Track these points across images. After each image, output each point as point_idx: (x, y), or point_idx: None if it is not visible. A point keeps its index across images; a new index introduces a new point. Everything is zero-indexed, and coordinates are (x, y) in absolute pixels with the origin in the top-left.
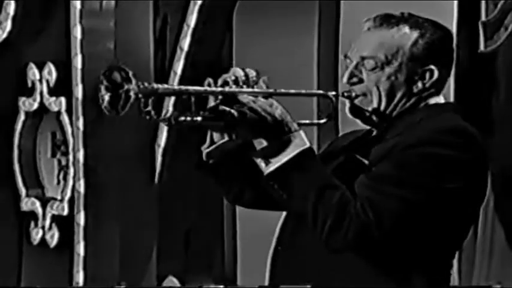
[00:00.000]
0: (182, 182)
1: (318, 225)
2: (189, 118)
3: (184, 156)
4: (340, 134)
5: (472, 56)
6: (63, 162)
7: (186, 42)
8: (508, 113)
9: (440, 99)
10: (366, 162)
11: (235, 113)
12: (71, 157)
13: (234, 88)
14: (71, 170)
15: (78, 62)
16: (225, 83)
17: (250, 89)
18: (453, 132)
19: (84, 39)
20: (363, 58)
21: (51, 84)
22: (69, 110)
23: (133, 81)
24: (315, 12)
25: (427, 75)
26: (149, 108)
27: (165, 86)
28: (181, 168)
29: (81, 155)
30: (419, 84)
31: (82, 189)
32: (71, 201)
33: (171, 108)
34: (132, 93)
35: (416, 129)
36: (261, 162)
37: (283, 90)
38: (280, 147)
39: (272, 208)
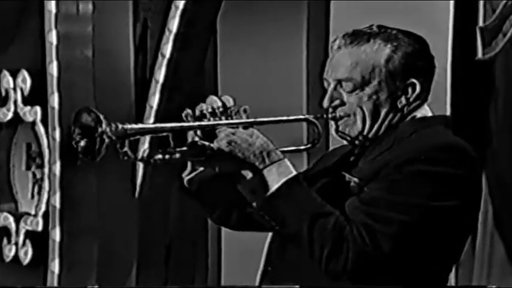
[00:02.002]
0: (163, 196)
1: (316, 254)
2: (167, 156)
3: (166, 169)
4: (316, 159)
5: (469, 63)
6: (38, 175)
7: (167, 48)
8: (507, 123)
9: (426, 111)
10: (356, 180)
11: (215, 147)
12: (46, 170)
13: (211, 121)
14: (46, 184)
15: (53, 69)
16: (202, 116)
17: (228, 121)
18: (444, 149)
19: (60, 45)
20: (339, 81)
21: (26, 93)
22: (45, 120)
23: (104, 124)
24: (304, 13)
25: (410, 89)
26: (126, 149)
27: (140, 125)
28: (162, 181)
29: (57, 167)
30: (403, 100)
31: (58, 204)
32: (46, 216)
33: (147, 145)
34: (105, 137)
35: (405, 145)
36: (248, 194)
37: (262, 120)
38: (265, 178)
39: (259, 229)
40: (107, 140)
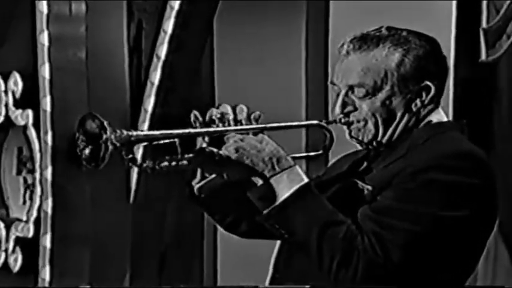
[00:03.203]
0: (159, 202)
1: (325, 263)
2: (174, 163)
3: (162, 174)
4: (330, 162)
5: (472, 65)
6: (30, 181)
7: (163, 50)
8: (510, 125)
9: (441, 116)
10: (369, 187)
11: (223, 154)
12: (38, 175)
13: (220, 127)
14: (38, 189)
15: (45, 71)
16: (211, 121)
17: (236, 127)
18: (458, 156)
19: (52, 46)
20: (351, 87)
21: (17, 95)
22: (37, 124)
23: (109, 130)
24: (303, 13)
25: (424, 92)
26: (131, 155)
27: (145, 132)
28: (158, 187)
29: (49, 172)
30: (418, 102)
31: (49, 210)
32: (37, 223)
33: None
34: (109, 144)
35: (419, 152)
36: (258, 202)
37: (272, 125)
38: (276, 185)
39: (269, 237)
40: (111, 147)
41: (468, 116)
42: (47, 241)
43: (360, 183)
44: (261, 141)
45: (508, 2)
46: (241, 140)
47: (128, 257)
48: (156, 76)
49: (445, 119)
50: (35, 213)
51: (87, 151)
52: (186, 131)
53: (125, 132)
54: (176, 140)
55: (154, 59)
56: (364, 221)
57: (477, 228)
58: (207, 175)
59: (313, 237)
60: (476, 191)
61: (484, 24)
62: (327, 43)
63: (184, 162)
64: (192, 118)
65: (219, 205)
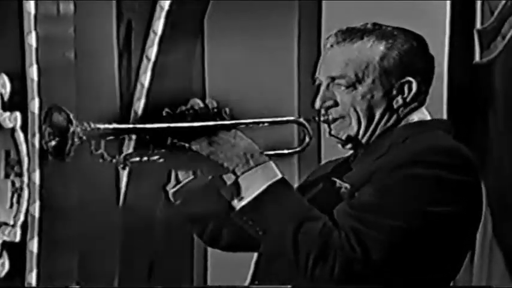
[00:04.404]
0: (149, 205)
1: (301, 260)
2: (145, 158)
3: (153, 177)
4: (323, 161)
5: (466, 67)
6: (17, 184)
7: (153, 51)
8: (507, 130)
9: (424, 115)
10: (348, 186)
11: (195, 149)
12: (25, 178)
13: (192, 122)
14: (25, 193)
15: (34, 73)
16: (183, 116)
17: (209, 123)
18: (440, 152)
19: (40, 47)
20: (332, 78)
21: (5, 98)
22: (25, 127)
23: (75, 123)
24: (295, 13)
25: (406, 88)
26: (101, 150)
27: (114, 125)
28: (148, 190)
29: (36, 176)
30: (399, 99)
31: (37, 213)
32: (24, 227)
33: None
34: (75, 137)
35: (400, 150)
36: (232, 199)
37: (246, 121)
38: (249, 180)
39: (253, 249)
40: (77, 141)
41: (462, 119)
42: (34, 246)
43: (338, 181)
44: (234, 136)
45: (503, 2)
46: (214, 135)
47: (117, 261)
48: (146, 78)
49: (428, 118)
50: (22, 217)
51: (53, 143)
52: (157, 125)
53: (92, 125)
54: (147, 135)
55: (144, 60)
56: (341, 217)
57: (461, 226)
58: (181, 179)
59: (288, 233)
60: (461, 187)
61: (478, 25)
62: (320, 43)
63: (155, 157)
64: (164, 114)
65: (195, 211)
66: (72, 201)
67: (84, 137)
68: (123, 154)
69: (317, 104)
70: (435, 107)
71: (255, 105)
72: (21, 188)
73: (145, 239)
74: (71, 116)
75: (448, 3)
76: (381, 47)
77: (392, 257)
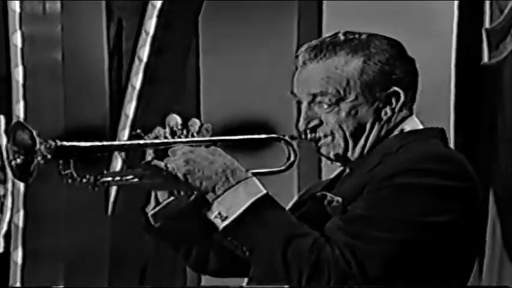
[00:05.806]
0: (138, 214)
1: (293, 279)
2: (118, 178)
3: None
4: (323, 175)
5: (474, 68)
6: (1, 192)
7: (144, 52)
8: None
9: (416, 124)
10: (339, 199)
11: (171, 168)
12: (9, 185)
13: (169, 139)
14: (9, 201)
15: (19, 74)
16: (159, 135)
17: (187, 139)
18: (437, 159)
19: (26, 47)
20: (313, 95)
21: None
22: None
23: (38, 141)
24: (294, 13)
25: (393, 99)
26: (70, 170)
27: (81, 143)
28: (138, 198)
29: (21, 183)
30: (388, 110)
31: (21, 223)
32: (7, 237)
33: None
34: (39, 157)
35: (393, 160)
36: (215, 219)
37: (227, 138)
38: (231, 198)
39: (243, 273)
40: (40, 160)
41: (470, 121)
42: (17, 256)
43: (329, 195)
44: (213, 153)
45: None
46: (191, 152)
47: (106, 273)
48: (137, 80)
49: (420, 127)
50: (5, 227)
51: (17, 161)
52: (129, 142)
53: (55, 143)
54: (121, 153)
55: (136, 61)
56: (334, 233)
57: (461, 235)
58: (160, 200)
59: (276, 252)
60: (457, 194)
61: (487, 24)
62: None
63: (129, 177)
64: (134, 134)
65: (177, 235)
66: (59, 209)
67: (49, 156)
68: (94, 174)
69: (301, 126)
70: (442, 109)
71: (251, 109)
72: (5, 196)
73: (135, 246)
74: (35, 133)
75: (456, 2)
76: (357, 61)
77: (391, 271)
